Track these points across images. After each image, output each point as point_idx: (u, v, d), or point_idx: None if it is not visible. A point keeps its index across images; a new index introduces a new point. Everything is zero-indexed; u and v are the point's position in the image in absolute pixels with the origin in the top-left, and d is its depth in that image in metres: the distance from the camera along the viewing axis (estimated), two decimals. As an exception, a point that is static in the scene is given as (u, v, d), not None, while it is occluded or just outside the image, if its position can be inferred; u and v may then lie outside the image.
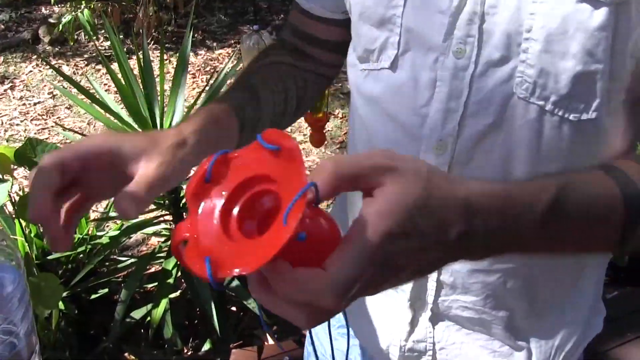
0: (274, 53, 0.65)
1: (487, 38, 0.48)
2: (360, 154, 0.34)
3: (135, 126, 1.47)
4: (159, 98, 1.49)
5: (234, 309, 1.63)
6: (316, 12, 0.62)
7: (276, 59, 0.64)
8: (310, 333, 0.73)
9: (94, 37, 3.27)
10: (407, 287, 0.59)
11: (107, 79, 3.09)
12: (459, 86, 0.49)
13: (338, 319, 0.69)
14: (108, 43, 3.30)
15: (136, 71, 1.55)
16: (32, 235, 1.52)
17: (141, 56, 1.51)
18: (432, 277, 0.58)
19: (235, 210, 0.30)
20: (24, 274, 0.33)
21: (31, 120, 2.87)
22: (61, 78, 3.08)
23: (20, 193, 2.27)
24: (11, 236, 1.20)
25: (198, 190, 0.30)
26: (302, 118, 1.88)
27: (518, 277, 0.57)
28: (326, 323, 0.76)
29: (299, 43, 0.65)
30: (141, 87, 1.48)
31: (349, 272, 0.31)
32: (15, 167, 1.22)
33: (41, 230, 1.58)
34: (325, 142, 2.12)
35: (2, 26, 3.69)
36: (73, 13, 3.20)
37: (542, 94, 0.47)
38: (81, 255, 1.57)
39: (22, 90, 3.10)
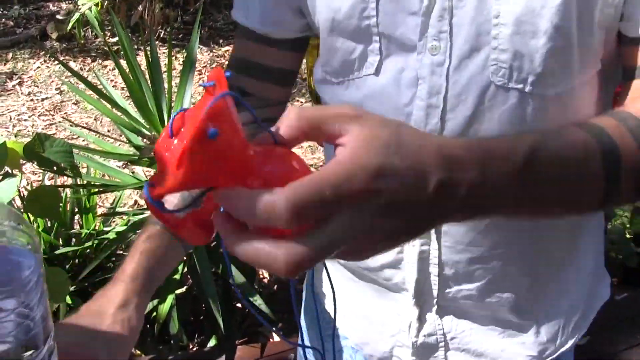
0: None
1: (458, 31, 0.49)
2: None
3: (143, 122, 1.47)
4: (166, 94, 1.49)
5: (239, 305, 1.63)
6: (274, 35, 0.60)
7: None
8: (301, 334, 0.73)
9: (102, 33, 3.28)
10: (410, 286, 0.60)
11: (113, 75, 3.10)
12: (437, 82, 0.51)
13: (329, 321, 0.69)
14: (114, 39, 3.31)
15: (143, 67, 1.55)
16: (40, 229, 1.52)
17: (149, 52, 1.51)
18: (434, 272, 0.59)
19: None
20: (41, 258, 0.34)
21: (39, 115, 2.88)
22: (68, 74, 3.09)
23: (29, 188, 2.28)
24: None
25: (163, 145, 0.31)
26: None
27: (517, 258, 0.58)
28: (315, 325, 0.74)
29: (246, 81, 0.62)
30: (149, 82, 1.48)
31: (310, 190, 0.28)
32: (24, 162, 1.22)
33: (49, 224, 1.59)
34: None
35: (11, 22, 3.71)
36: (80, 9, 3.21)
37: (519, 77, 0.49)
38: (88, 250, 1.58)
39: (30, 86, 3.11)
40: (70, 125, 2.57)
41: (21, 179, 1.20)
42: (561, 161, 0.36)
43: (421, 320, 0.61)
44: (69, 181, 1.61)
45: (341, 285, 0.67)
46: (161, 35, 3.36)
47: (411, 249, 0.58)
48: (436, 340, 0.62)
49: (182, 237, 0.32)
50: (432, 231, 0.57)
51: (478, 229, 0.56)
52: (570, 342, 0.64)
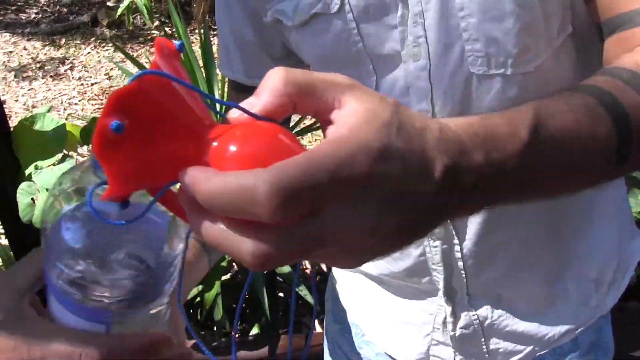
0: None
1: (430, 32, 0.50)
2: None
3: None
4: (219, 80, 1.49)
5: (281, 295, 1.63)
6: None
7: None
8: (325, 339, 0.72)
9: (150, 20, 3.33)
10: (439, 285, 0.60)
11: (161, 62, 3.14)
12: (423, 86, 0.51)
13: (361, 328, 0.69)
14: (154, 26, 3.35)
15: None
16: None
17: (203, 36, 1.51)
18: (460, 267, 0.59)
19: None
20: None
21: (88, 100, 2.96)
22: (117, 60, 3.16)
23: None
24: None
25: None
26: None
27: (536, 236, 0.58)
28: (348, 332, 0.74)
29: None
30: (202, 69, 1.48)
31: (302, 173, 0.23)
32: (79, 145, 1.24)
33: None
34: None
35: (65, 9, 3.82)
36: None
37: (498, 62, 0.49)
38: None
39: (80, 71, 3.20)
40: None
41: (76, 162, 1.22)
42: (569, 127, 0.33)
43: (455, 315, 0.62)
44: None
45: (366, 293, 0.67)
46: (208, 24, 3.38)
47: (433, 249, 0.58)
48: (474, 330, 0.62)
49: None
50: (450, 228, 0.56)
51: (493, 216, 0.55)
52: (609, 304, 0.63)
